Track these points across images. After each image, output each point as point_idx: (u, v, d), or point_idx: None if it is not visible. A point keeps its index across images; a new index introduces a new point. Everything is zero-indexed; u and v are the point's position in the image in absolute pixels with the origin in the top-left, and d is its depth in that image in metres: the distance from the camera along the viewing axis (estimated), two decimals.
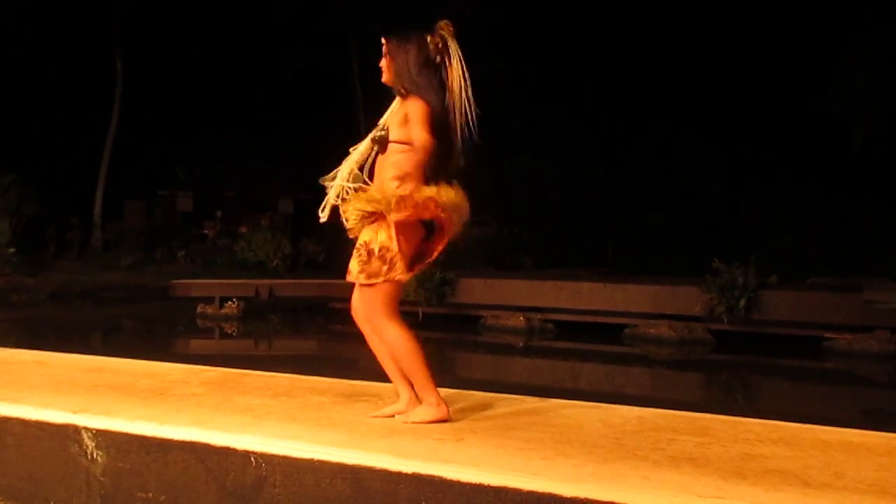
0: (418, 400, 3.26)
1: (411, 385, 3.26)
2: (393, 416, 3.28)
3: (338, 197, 3.30)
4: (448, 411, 3.22)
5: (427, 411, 3.21)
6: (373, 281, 3.16)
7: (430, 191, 3.16)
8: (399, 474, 2.63)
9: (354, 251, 3.21)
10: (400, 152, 3.22)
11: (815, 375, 9.99)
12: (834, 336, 10.44)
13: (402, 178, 3.18)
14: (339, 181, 3.33)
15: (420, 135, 3.14)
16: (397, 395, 3.37)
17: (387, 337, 3.21)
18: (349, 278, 3.24)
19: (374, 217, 3.17)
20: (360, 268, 3.16)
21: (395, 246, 3.13)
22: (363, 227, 3.21)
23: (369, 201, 3.17)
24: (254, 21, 23.71)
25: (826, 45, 17.35)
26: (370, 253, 3.15)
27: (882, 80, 15.95)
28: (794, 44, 18.76)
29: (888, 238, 16.22)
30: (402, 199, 3.11)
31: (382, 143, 3.25)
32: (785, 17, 18.97)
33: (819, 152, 18.02)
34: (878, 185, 16.90)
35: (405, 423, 3.19)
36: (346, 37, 22.73)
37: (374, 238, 3.16)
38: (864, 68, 16.19)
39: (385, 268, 3.13)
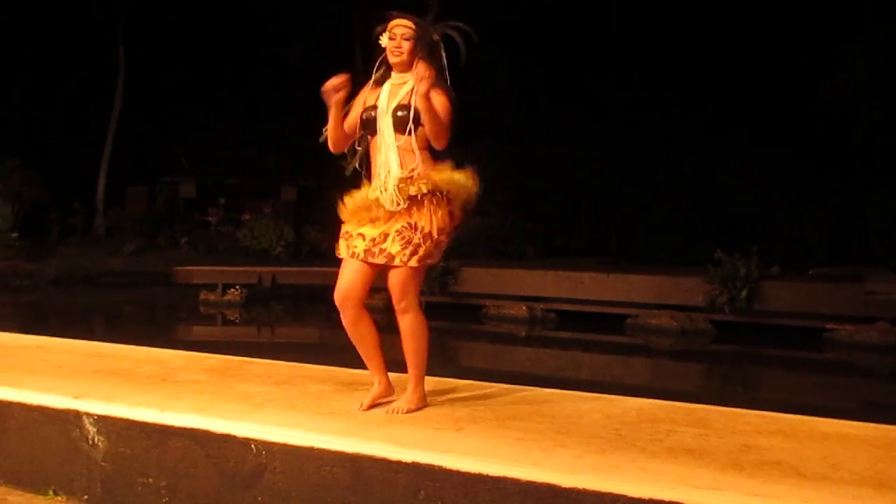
0: (391, 389, 3.32)
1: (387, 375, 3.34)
2: (378, 405, 3.27)
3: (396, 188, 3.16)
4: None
5: (419, 397, 3.27)
6: (425, 263, 3.17)
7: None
8: (398, 463, 2.65)
9: (395, 235, 3.14)
10: (423, 137, 3.20)
11: (815, 366, 10.00)
12: (835, 327, 10.44)
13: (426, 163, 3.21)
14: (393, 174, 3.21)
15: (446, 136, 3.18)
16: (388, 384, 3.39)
17: (415, 319, 3.22)
18: (392, 262, 3.15)
19: (417, 200, 3.15)
20: (412, 250, 3.13)
21: (444, 230, 3.19)
22: (399, 210, 3.16)
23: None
24: (257, 7, 23.63)
25: (828, 35, 17.26)
26: (426, 236, 3.14)
27: (884, 70, 15.88)
28: (796, 33, 18.66)
29: (890, 229, 16.19)
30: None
31: (406, 123, 3.17)
32: (788, 5, 18.87)
33: (821, 143, 17.95)
34: (880, 175, 16.85)
35: (399, 413, 3.18)
36: (349, 23, 22.65)
37: (430, 221, 3.15)
38: (867, 59, 16.10)
39: (437, 251, 3.19)
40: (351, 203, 3.27)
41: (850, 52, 16.39)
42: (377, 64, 3.33)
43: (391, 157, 3.20)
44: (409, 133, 3.17)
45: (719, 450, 2.76)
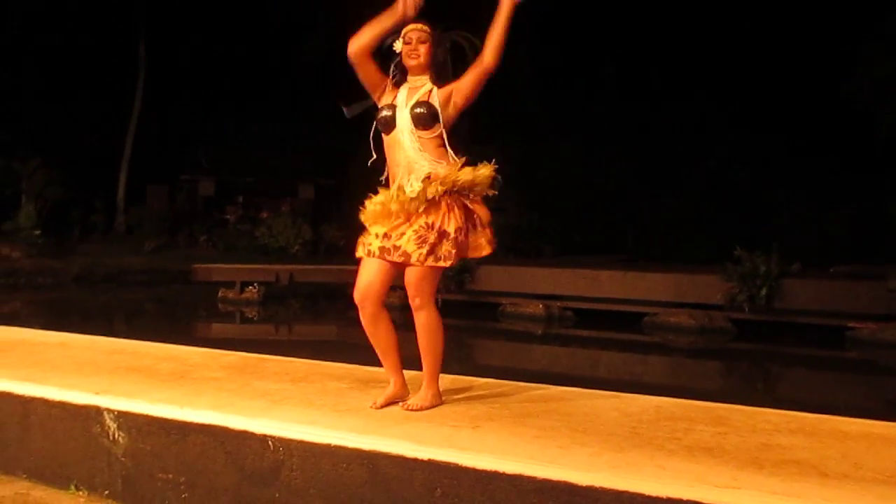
0: (406, 389, 3.33)
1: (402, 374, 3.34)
2: (392, 403, 3.28)
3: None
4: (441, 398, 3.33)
5: (434, 395, 3.27)
6: (441, 263, 3.17)
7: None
8: (415, 461, 2.65)
9: (412, 234, 3.15)
10: (440, 135, 3.22)
11: (837, 365, 9.90)
12: (857, 325, 10.32)
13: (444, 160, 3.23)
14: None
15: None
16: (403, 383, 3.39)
17: (430, 317, 3.22)
18: (409, 261, 3.16)
19: (435, 201, 3.17)
20: (427, 249, 3.13)
21: (462, 229, 3.20)
22: (417, 208, 3.16)
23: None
24: (276, 6, 23.72)
25: (852, 31, 17.08)
26: (442, 234, 3.16)
27: None
28: (819, 29, 18.48)
29: None
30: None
31: (425, 120, 3.20)
32: (810, 2, 18.70)
33: (843, 139, 17.77)
34: None
35: (413, 409, 3.19)
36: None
37: (446, 221, 3.17)
38: (891, 55, 15.92)
39: (454, 251, 3.18)
40: (371, 207, 3.28)
41: (872, 49, 16.21)
42: (392, 68, 3.38)
43: (410, 154, 3.23)
44: (427, 128, 3.21)
45: (738, 448, 2.74)
